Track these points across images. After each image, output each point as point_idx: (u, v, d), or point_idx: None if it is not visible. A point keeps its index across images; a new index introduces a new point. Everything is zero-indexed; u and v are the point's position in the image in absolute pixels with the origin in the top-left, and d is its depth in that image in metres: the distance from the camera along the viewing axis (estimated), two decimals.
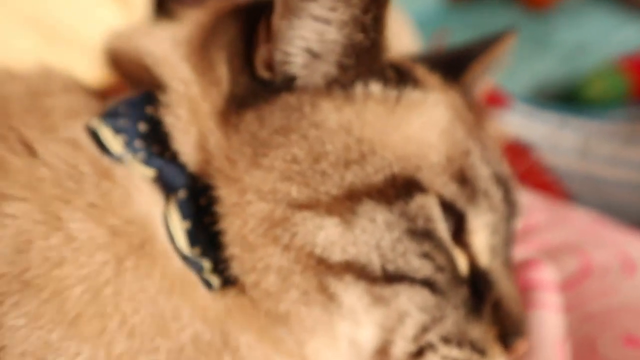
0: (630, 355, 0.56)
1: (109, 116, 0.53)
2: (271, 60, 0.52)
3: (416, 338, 0.51)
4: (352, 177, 0.49)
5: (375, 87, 0.53)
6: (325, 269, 0.48)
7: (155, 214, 0.50)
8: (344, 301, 0.49)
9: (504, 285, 0.55)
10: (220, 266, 0.49)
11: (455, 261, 0.52)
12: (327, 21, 0.51)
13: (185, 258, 0.50)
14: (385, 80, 0.54)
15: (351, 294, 0.49)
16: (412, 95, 0.55)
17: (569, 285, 0.67)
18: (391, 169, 0.50)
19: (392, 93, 0.54)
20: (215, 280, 0.50)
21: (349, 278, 0.48)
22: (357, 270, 0.48)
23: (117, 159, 0.51)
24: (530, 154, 1.01)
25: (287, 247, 0.48)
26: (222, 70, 0.53)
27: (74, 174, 0.48)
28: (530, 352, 0.59)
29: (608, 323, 0.61)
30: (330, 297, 0.48)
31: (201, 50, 0.54)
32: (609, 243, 0.73)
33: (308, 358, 0.50)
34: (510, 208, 0.57)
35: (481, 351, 0.52)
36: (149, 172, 0.51)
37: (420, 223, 0.49)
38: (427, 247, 0.49)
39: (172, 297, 0.46)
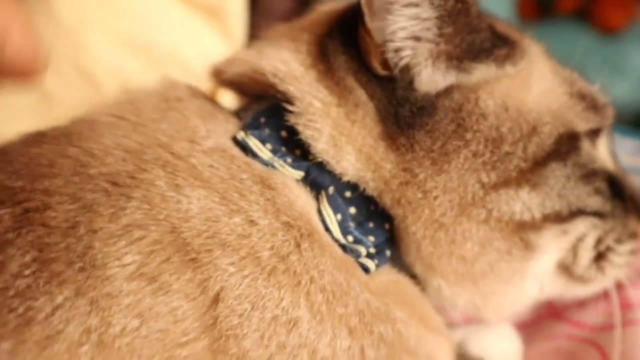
0: None
1: (252, 127, 0.58)
2: (385, 60, 0.56)
3: (595, 247, 0.62)
4: (534, 147, 0.57)
5: (501, 66, 0.59)
6: (525, 228, 0.57)
7: (311, 211, 0.56)
8: (541, 247, 0.59)
9: (627, 180, 0.67)
10: (373, 252, 0.57)
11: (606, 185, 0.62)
12: (416, 4, 0.55)
13: (343, 246, 0.56)
14: (505, 56, 0.59)
15: (546, 238, 0.59)
16: (525, 61, 0.60)
17: None
18: (557, 130, 0.58)
19: (514, 65, 0.59)
20: (371, 264, 0.56)
21: (546, 226, 0.58)
22: (552, 219, 0.58)
23: (267, 165, 0.56)
24: None
25: (484, 221, 0.56)
26: (360, 92, 0.57)
27: (236, 178, 0.53)
28: None
29: None
30: (530, 249, 0.58)
31: (331, 75, 0.58)
32: None
33: (497, 304, 0.61)
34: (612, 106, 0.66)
35: (636, 235, 0.65)
36: (298, 175, 0.57)
37: (589, 166, 0.59)
38: (597, 184, 0.60)
39: (342, 272, 0.53)
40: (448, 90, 0.57)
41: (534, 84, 0.60)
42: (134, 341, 0.44)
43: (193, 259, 0.47)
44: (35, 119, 0.66)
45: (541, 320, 0.80)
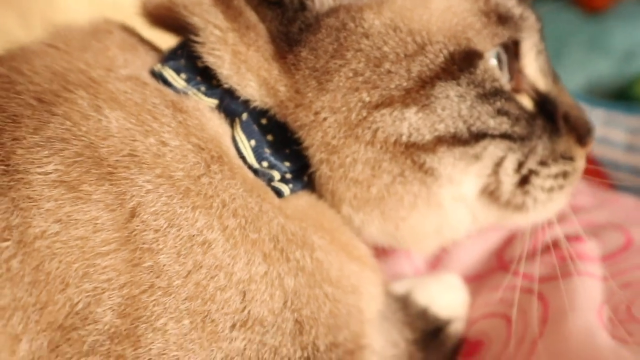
0: None
1: (169, 59, 0.59)
2: None
3: (517, 171, 0.59)
4: (419, 66, 0.55)
5: None
6: (416, 150, 0.55)
7: (224, 136, 0.56)
8: (441, 171, 0.57)
9: (563, 98, 0.65)
10: (289, 177, 0.57)
11: (524, 106, 0.59)
12: None
13: (255, 171, 0.56)
14: None
15: (446, 162, 0.56)
16: None
17: (610, 258, 0.73)
18: (447, 49, 0.56)
19: None
20: (285, 188, 0.56)
21: (442, 149, 0.56)
22: (448, 140, 0.56)
23: (181, 93, 0.57)
24: None
25: (370, 142, 0.55)
26: (249, 13, 0.57)
27: (149, 102, 0.54)
28: (572, 313, 0.65)
29: None
30: (426, 172, 0.56)
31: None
32: None
33: (412, 232, 0.60)
34: (539, 19, 0.64)
35: (570, 158, 0.62)
36: (212, 102, 0.58)
37: (487, 86, 0.57)
38: (498, 104, 0.57)
39: (253, 196, 0.53)
40: (335, 9, 0.56)
41: (433, 3, 0.57)
42: (54, 245, 0.45)
43: (110, 173, 0.48)
44: None
45: (490, 272, 0.80)
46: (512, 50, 0.60)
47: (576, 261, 0.72)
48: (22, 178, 0.46)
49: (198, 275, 0.48)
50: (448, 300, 0.76)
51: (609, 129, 1.10)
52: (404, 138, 0.55)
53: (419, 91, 0.55)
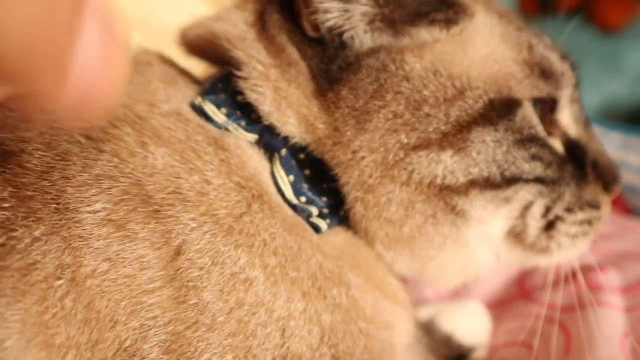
0: None
1: (210, 93, 0.60)
2: (314, 21, 0.57)
3: (544, 216, 0.61)
4: (457, 111, 0.56)
5: (435, 28, 0.58)
6: (449, 192, 0.56)
7: (264, 172, 0.57)
8: (472, 213, 0.58)
9: (593, 144, 0.66)
10: (326, 212, 0.58)
11: (556, 151, 0.61)
12: None
13: (294, 207, 0.57)
14: (440, 20, 0.58)
15: (477, 205, 0.57)
16: (467, 22, 0.59)
17: (631, 289, 0.75)
18: (487, 95, 0.57)
19: (455, 29, 0.58)
20: (323, 224, 0.57)
21: (474, 192, 0.57)
22: (481, 184, 0.57)
23: (222, 128, 0.57)
24: None
25: (405, 183, 0.56)
26: (291, 50, 0.58)
27: (192, 139, 0.54)
28: (594, 345, 0.66)
29: None
30: (457, 213, 0.57)
31: (266, 34, 0.59)
32: None
33: (439, 270, 0.61)
34: (575, 73, 0.65)
35: (596, 205, 0.64)
36: (252, 138, 0.58)
37: (525, 132, 0.58)
38: (534, 150, 0.58)
39: (292, 234, 0.54)
40: (375, 50, 0.57)
41: (473, 49, 0.58)
42: (104, 283, 0.46)
43: (156, 211, 0.49)
44: None
45: (512, 300, 0.82)
46: (548, 103, 0.62)
47: (598, 292, 0.74)
48: (73, 217, 0.47)
49: (240, 312, 0.49)
50: (472, 327, 0.77)
51: (626, 152, 1.11)
52: (439, 180, 0.56)
53: (456, 135, 0.56)
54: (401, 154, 0.55)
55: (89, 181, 0.49)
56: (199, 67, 0.71)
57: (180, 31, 0.67)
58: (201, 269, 0.48)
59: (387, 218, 0.57)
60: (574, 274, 0.73)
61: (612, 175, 0.66)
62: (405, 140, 0.55)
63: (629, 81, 1.46)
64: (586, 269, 0.75)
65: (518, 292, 0.82)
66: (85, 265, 0.46)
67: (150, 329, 0.46)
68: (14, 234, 0.45)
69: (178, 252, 0.48)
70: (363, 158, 0.56)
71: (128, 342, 0.46)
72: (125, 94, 0.57)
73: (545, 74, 0.60)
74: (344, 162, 0.57)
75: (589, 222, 0.64)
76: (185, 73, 0.65)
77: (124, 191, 0.49)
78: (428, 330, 0.74)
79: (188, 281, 0.48)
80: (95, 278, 0.46)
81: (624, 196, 1.06)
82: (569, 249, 0.65)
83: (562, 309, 0.72)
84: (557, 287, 0.75)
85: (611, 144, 1.12)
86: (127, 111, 0.55)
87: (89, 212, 0.48)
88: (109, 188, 0.49)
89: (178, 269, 0.48)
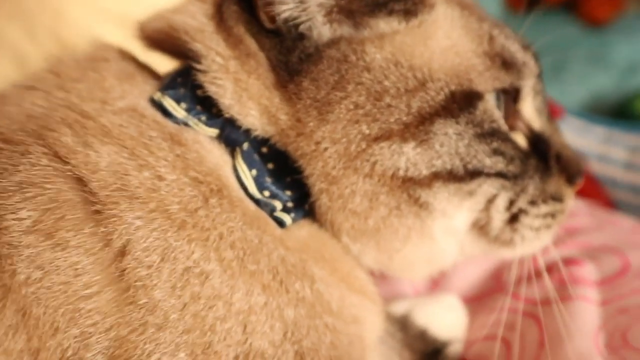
0: None
1: (169, 88, 0.59)
2: (270, 12, 0.56)
3: (508, 209, 0.61)
4: (419, 102, 0.55)
5: (394, 20, 0.57)
6: (413, 184, 0.56)
7: (225, 167, 0.57)
8: (435, 205, 0.57)
9: (556, 137, 0.66)
10: (291, 206, 0.57)
11: (519, 145, 0.60)
12: None
13: (256, 201, 0.57)
14: (399, 10, 0.57)
15: (441, 197, 0.57)
16: (427, 13, 0.58)
17: (607, 282, 0.74)
18: (449, 87, 0.56)
19: (414, 20, 0.58)
20: (287, 218, 0.57)
21: (437, 185, 0.56)
22: (444, 177, 0.56)
23: (181, 124, 0.57)
24: None
25: (368, 175, 0.55)
26: (249, 41, 0.57)
27: (145, 135, 0.54)
28: (568, 339, 0.66)
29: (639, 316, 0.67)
30: (421, 206, 0.57)
31: (224, 26, 0.58)
32: None
33: (404, 262, 0.61)
34: (538, 63, 0.64)
35: (559, 198, 0.64)
36: (213, 132, 0.58)
37: (486, 126, 0.57)
38: (495, 144, 0.58)
39: (253, 228, 0.53)
40: (336, 41, 0.57)
41: (434, 41, 0.58)
42: (39, 291, 0.45)
43: (97, 212, 0.48)
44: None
45: (488, 294, 0.81)
46: (511, 94, 0.61)
47: (572, 285, 0.73)
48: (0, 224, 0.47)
49: (196, 306, 0.48)
50: (447, 321, 0.77)
51: (609, 146, 1.10)
52: (401, 172, 0.56)
53: (418, 126, 0.55)
54: (363, 145, 0.55)
55: (11, 188, 0.48)
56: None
57: (138, 25, 0.66)
58: (149, 267, 0.48)
59: (352, 210, 0.57)
60: (549, 268, 0.73)
61: (575, 167, 0.66)
62: (367, 131, 0.55)
63: (616, 75, 1.46)
64: (563, 263, 0.75)
65: (495, 286, 0.82)
66: (19, 273, 0.45)
67: (92, 336, 0.45)
68: None
69: (123, 252, 0.47)
70: (326, 149, 0.56)
71: (70, 352, 0.45)
72: (74, 93, 0.56)
73: (507, 64, 0.60)
74: (308, 154, 0.56)
75: (553, 215, 0.64)
76: (145, 68, 0.64)
77: (51, 199, 0.48)
78: (403, 325, 0.74)
79: (136, 281, 0.47)
80: (30, 286, 0.45)
81: (606, 190, 1.06)
82: (533, 242, 0.65)
83: (536, 303, 0.71)
84: (532, 280, 0.74)
85: (595, 138, 1.12)
86: (69, 112, 0.54)
87: (14, 219, 0.47)
88: (34, 197, 0.48)
89: (124, 270, 0.47)
